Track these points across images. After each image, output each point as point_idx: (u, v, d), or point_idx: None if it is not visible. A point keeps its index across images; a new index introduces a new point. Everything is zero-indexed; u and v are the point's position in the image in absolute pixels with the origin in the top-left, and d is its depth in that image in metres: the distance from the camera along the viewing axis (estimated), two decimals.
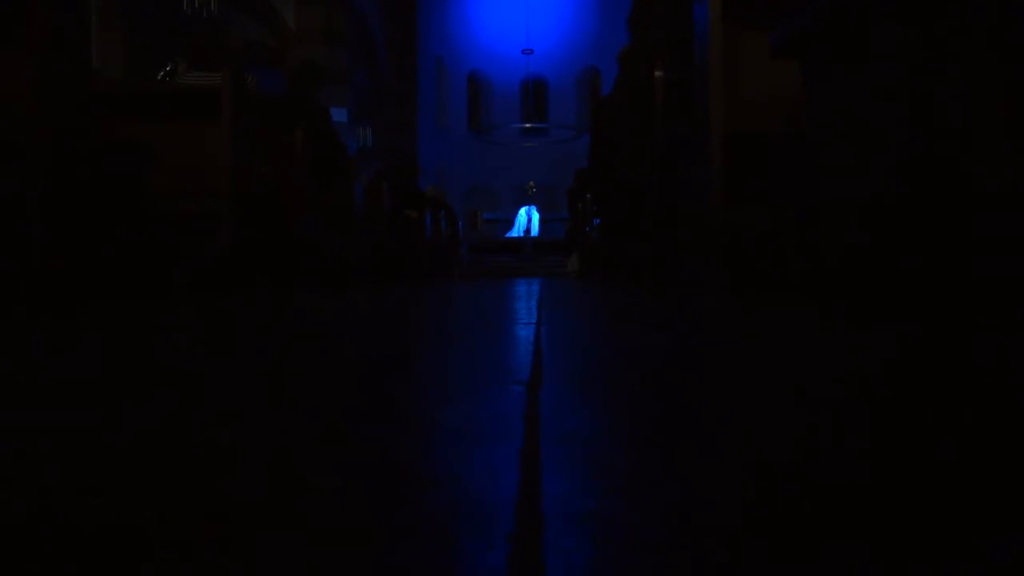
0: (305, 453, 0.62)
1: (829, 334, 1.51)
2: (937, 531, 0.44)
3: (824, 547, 0.42)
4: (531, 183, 18.40)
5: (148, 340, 1.56)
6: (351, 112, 11.10)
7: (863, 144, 1.92)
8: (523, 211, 18.00)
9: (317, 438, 0.68)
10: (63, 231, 2.49)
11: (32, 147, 2.43)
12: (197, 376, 1.05)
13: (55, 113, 2.50)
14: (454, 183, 17.37)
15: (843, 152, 2.04)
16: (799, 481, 0.54)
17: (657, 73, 4.03)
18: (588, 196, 7.02)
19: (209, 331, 1.79)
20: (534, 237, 16.56)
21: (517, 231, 17.67)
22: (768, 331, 1.64)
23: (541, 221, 17.49)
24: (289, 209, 4.39)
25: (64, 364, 1.19)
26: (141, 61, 6.35)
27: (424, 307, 2.77)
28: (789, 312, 2.10)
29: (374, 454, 0.61)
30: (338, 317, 2.24)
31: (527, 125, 19.10)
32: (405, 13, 15.28)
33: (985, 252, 1.45)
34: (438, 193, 9.09)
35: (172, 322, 2.02)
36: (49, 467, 0.59)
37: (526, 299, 3.17)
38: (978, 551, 0.41)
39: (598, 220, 6.21)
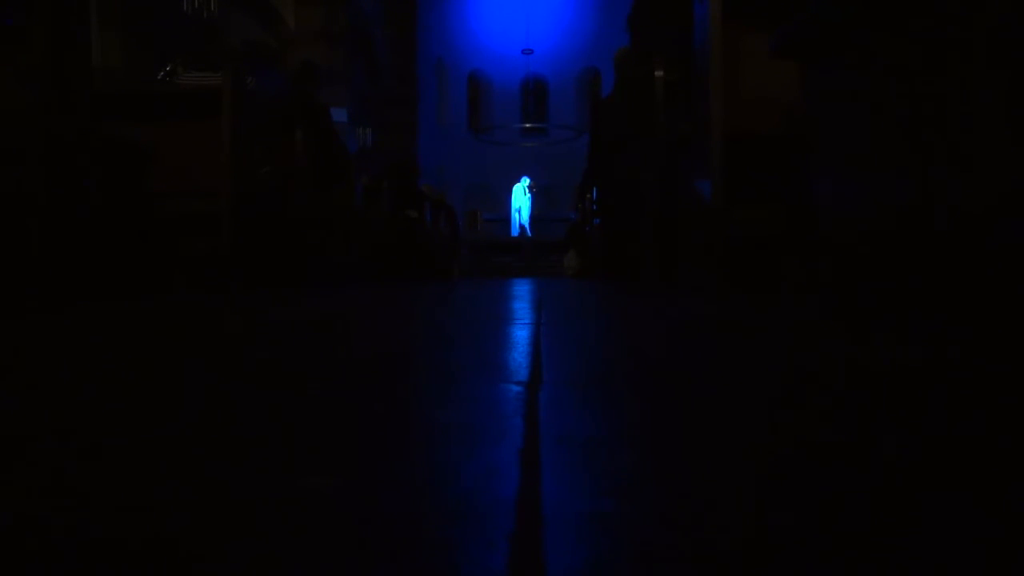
0: (303, 453, 0.63)
1: (829, 337, 1.51)
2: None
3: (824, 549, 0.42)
4: (531, 183, 18.42)
5: (144, 338, 1.56)
6: (351, 112, 11.08)
7: (863, 144, 1.92)
8: (522, 185, 17.92)
9: (316, 438, 0.68)
10: (63, 231, 2.49)
11: (32, 147, 2.43)
12: (190, 378, 1.05)
13: (55, 113, 2.50)
14: (454, 183, 17.34)
15: (843, 152, 2.04)
16: (799, 483, 0.54)
17: (657, 73, 4.02)
18: (587, 196, 7.02)
19: (205, 330, 1.78)
20: (530, 237, 16.59)
21: (514, 210, 17.71)
22: (769, 333, 1.64)
23: (534, 218, 17.52)
24: (289, 208, 4.39)
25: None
26: (141, 61, 6.34)
27: (423, 307, 2.77)
28: (789, 313, 2.10)
29: (373, 454, 0.61)
30: (338, 316, 2.24)
31: (527, 125, 19.08)
32: (405, 13, 15.27)
33: (986, 254, 1.46)
34: (434, 192, 9.04)
35: (170, 320, 2.02)
36: None
37: (525, 299, 3.17)
38: None
39: (598, 220, 6.20)
